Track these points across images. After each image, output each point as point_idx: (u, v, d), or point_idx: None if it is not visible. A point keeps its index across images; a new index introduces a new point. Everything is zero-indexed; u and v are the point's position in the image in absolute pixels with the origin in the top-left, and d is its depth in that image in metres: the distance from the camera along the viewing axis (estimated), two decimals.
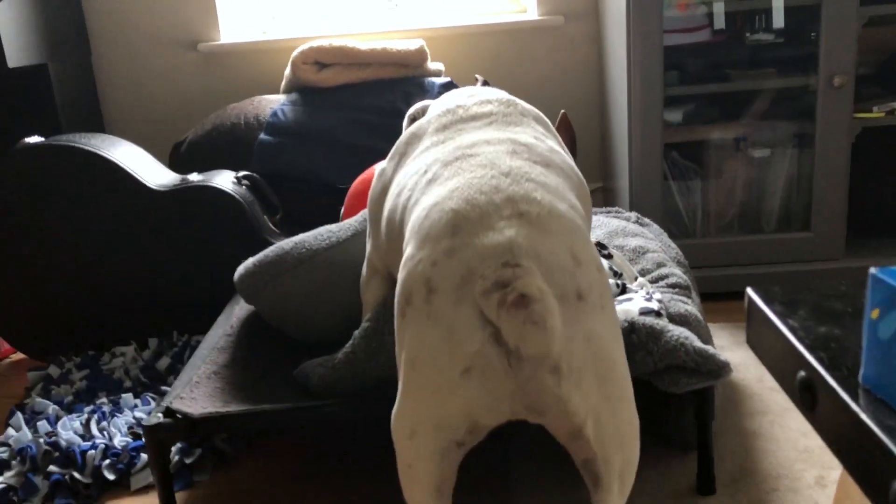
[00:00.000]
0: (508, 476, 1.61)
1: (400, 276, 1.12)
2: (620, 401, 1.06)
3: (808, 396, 0.68)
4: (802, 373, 0.68)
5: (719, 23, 2.40)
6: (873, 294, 0.59)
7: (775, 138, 2.47)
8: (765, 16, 2.48)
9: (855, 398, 0.61)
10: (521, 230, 1.05)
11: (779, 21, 2.36)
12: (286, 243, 1.77)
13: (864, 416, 0.58)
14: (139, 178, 2.24)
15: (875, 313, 0.59)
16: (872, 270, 0.59)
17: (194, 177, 2.30)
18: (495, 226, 1.06)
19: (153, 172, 2.31)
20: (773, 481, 1.51)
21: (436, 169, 1.23)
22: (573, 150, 2.35)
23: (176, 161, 2.61)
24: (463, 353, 1.00)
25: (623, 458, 1.08)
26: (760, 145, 2.48)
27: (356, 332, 1.50)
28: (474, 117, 1.35)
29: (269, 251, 1.77)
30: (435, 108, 1.45)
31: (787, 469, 1.55)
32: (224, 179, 2.29)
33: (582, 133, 2.95)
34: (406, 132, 1.44)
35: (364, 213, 1.76)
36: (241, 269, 1.78)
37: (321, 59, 2.58)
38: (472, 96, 1.42)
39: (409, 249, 1.13)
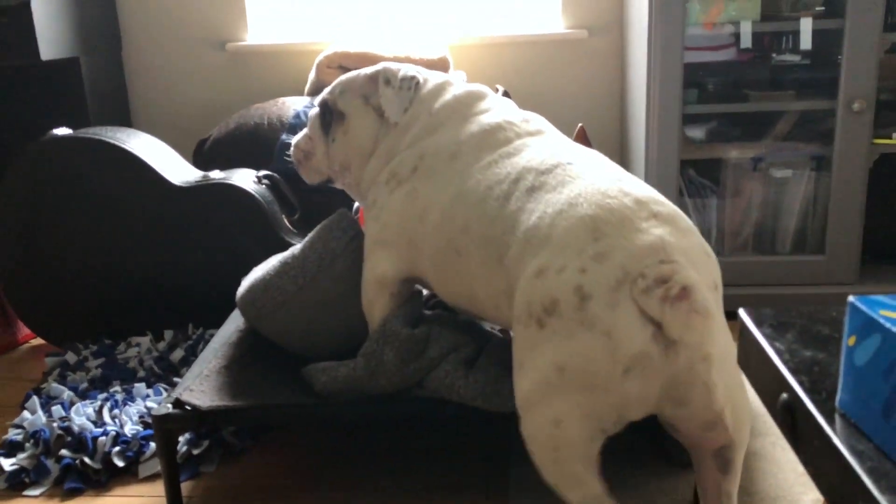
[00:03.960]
0: (509, 476, 1.63)
1: (530, 287, 1.14)
2: (742, 388, 1.12)
3: (788, 418, 0.70)
4: (785, 395, 0.70)
5: (745, 42, 2.41)
6: (851, 321, 0.61)
7: (794, 160, 2.47)
8: (792, 37, 2.48)
9: (830, 422, 0.63)
10: (664, 228, 1.11)
11: (806, 43, 2.36)
12: (261, 281, 1.69)
13: (835, 440, 0.60)
14: (161, 173, 2.29)
15: (851, 340, 0.60)
16: (850, 298, 0.60)
17: (216, 174, 2.35)
18: (640, 227, 1.11)
19: (176, 168, 2.36)
20: (771, 502, 1.52)
21: (532, 178, 1.27)
22: None
23: (199, 158, 2.66)
24: (625, 354, 1.04)
25: (746, 442, 1.17)
26: (779, 166, 2.48)
27: (360, 351, 1.52)
28: (530, 133, 1.43)
29: (254, 285, 1.70)
30: (452, 125, 1.49)
31: (786, 491, 1.55)
32: (244, 178, 2.34)
33: (600, 147, 2.96)
34: (414, 151, 1.48)
35: (332, 235, 1.68)
36: (238, 295, 1.74)
37: (345, 63, 2.62)
38: (488, 112, 1.48)
39: (536, 260, 1.15)
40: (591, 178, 1.22)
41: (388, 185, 1.50)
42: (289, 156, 2.52)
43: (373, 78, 1.59)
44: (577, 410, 1.10)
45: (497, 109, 1.51)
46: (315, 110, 1.69)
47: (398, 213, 1.47)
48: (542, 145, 1.38)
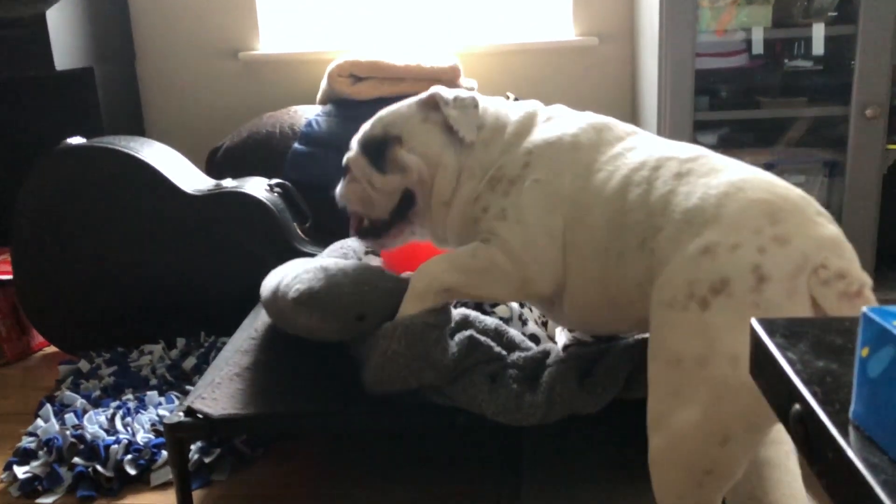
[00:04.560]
0: (521, 485, 1.62)
1: (693, 265, 1.09)
2: None
3: (801, 430, 0.69)
4: (797, 406, 0.70)
5: (757, 49, 2.40)
6: (864, 332, 0.60)
7: (807, 166, 2.46)
8: (804, 43, 2.47)
9: (844, 434, 0.62)
10: (835, 227, 1.11)
11: (818, 49, 2.35)
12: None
13: (849, 453, 0.59)
14: (174, 181, 2.30)
15: (865, 351, 0.60)
16: (864, 309, 0.60)
17: (228, 182, 2.36)
18: (815, 219, 1.10)
19: (188, 177, 2.37)
20: None
21: (676, 165, 1.24)
22: None
23: (212, 167, 2.67)
24: None
25: None
26: (792, 172, 2.47)
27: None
28: (633, 132, 1.43)
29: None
30: (551, 121, 1.47)
31: (797, 501, 1.54)
32: (256, 186, 2.35)
33: None
34: (517, 152, 1.42)
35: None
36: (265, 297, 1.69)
37: (356, 72, 2.63)
38: (572, 116, 1.49)
39: (700, 239, 1.10)
40: (740, 168, 1.21)
41: (499, 188, 1.40)
42: (301, 164, 2.54)
43: (426, 103, 1.53)
44: (742, 424, 1.05)
45: (575, 114, 1.51)
46: (352, 155, 1.59)
47: (541, 206, 1.35)
48: (657, 141, 1.37)
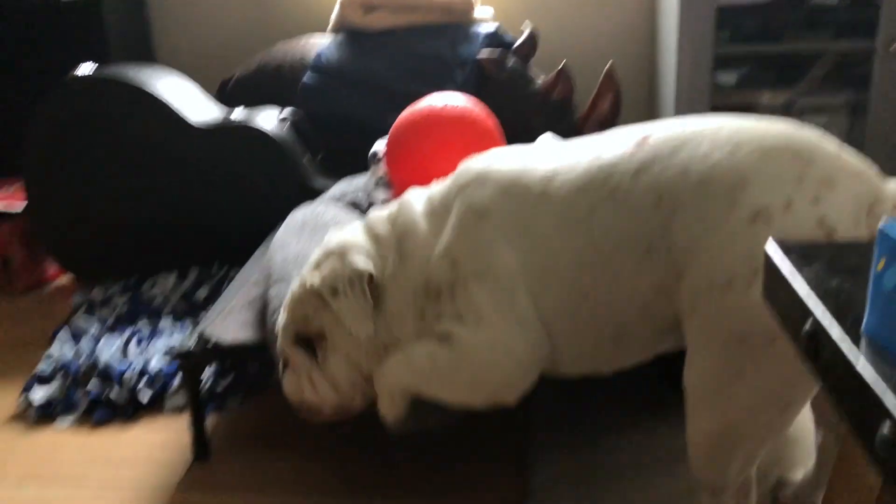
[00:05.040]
0: (527, 442, 1.59)
1: (748, 236, 0.97)
2: None
3: (812, 346, 0.68)
4: (809, 323, 0.69)
5: None
6: (880, 246, 0.59)
7: (829, 105, 2.41)
8: None
9: (856, 346, 0.62)
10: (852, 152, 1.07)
11: None
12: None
13: (859, 362, 0.59)
14: (182, 114, 2.28)
15: (881, 265, 0.59)
16: (880, 224, 0.59)
17: (238, 113, 2.34)
18: (839, 153, 1.04)
19: (198, 108, 2.35)
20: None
21: (643, 154, 1.10)
22: (617, 106, 2.33)
23: (224, 96, 2.64)
24: None
25: None
26: (814, 112, 2.42)
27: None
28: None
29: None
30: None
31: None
32: (267, 118, 2.33)
33: (628, 87, 2.90)
34: (461, 245, 1.20)
35: None
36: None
37: (368, 1, 2.57)
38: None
39: (739, 207, 0.99)
40: (713, 122, 1.09)
41: (443, 297, 1.20)
42: (311, 95, 2.50)
43: (314, 294, 1.27)
44: (809, 382, 1.00)
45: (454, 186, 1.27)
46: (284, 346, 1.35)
47: (497, 295, 1.17)
48: (578, 147, 1.20)
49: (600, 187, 1.12)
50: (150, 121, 2.29)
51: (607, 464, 1.46)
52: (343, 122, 2.51)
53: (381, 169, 1.95)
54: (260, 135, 2.27)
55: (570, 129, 2.27)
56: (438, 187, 1.30)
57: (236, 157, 2.29)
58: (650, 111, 2.83)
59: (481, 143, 1.77)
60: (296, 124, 2.37)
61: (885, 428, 0.54)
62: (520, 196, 1.18)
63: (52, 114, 2.33)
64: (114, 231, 2.40)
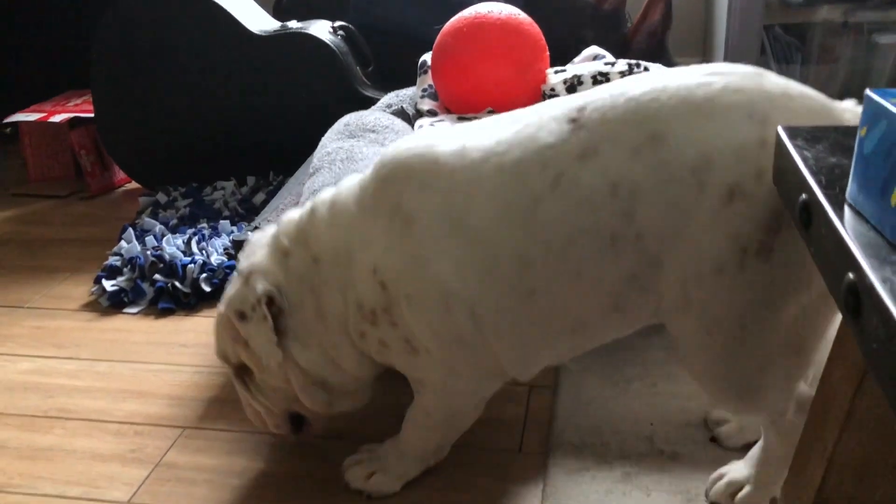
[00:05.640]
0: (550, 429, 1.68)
1: (723, 218, 0.93)
2: None
3: (805, 216, 0.73)
4: (804, 195, 0.74)
5: None
6: (864, 113, 0.63)
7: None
8: None
9: (838, 211, 0.67)
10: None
11: None
12: None
13: (837, 223, 0.64)
14: (241, 21, 2.36)
15: (863, 131, 0.63)
16: (867, 90, 0.63)
17: (293, 24, 2.40)
18: (774, 80, 1.01)
19: (255, 17, 2.42)
20: None
21: (568, 148, 1.00)
22: (668, 16, 2.31)
23: (278, 11, 2.71)
24: None
25: None
26: (885, 31, 2.34)
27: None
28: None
29: None
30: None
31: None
32: (321, 28, 2.38)
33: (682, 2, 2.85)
34: (388, 263, 1.08)
35: None
36: None
37: None
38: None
39: (712, 188, 0.93)
40: (647, 84, 1.00)
41: (381, 321, 1.10)
42: (363, 7, 2.54)
43: (226, 320, 1.18)
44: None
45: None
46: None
47: (435, 321, 1.08)
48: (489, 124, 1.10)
49: (539, 174, 1.00)
50: (211, 29, 2.37)
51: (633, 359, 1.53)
52: (394, 35, 2.55)
53: (428, 78, 1.99)
54: (318, 43, 2.34)
55: (620, 41, 2.27)
56: (352, 185, 1.16)
57: (294, 66, 2.37)
58: (704, 25, 2.79)
59: (525, 51, 1.80)
60: (348, 36, 2.43)
61: (850, 276, 0.60)
62: (448, 189, 1.04)
63: (115, 23, 2.43)
64: (176, 141, 2.51)
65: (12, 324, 1.87)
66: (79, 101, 2.73)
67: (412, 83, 2.10)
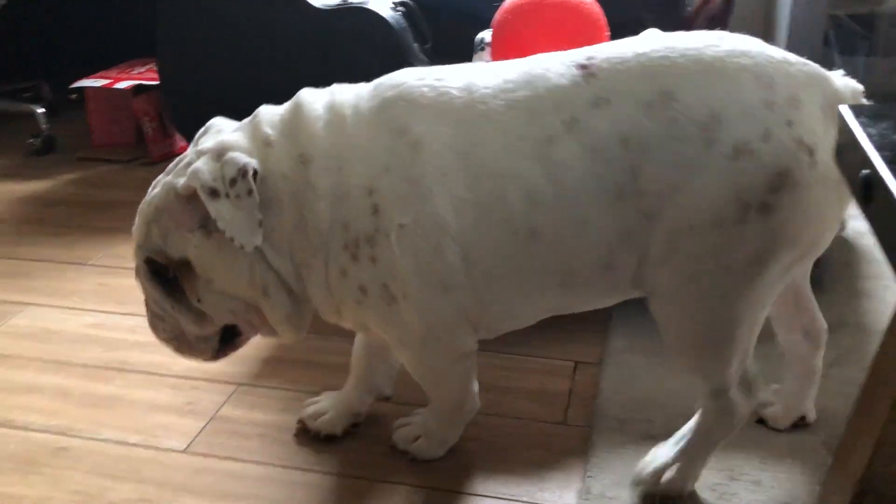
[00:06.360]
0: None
1: (732, 174, 0.95)
2: None
3: (867, 191, 0.74)
4: (866, 171, 0.74)
5: None
6: None
7: None
8: None
9: None
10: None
11: None
12: None
13: None
14: None
15: None
16: None
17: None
18: (786, 57, 1.04)
19: None
20: (866, 335, 1.55)
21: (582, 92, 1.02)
22: (730, 3, 2.28)
23: None
24: (846, 195, 0.97)
25: None
26: None
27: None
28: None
29: None
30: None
31: (884, 325, 1.57)
32: (381, 4, 2.41)
33: None
34: (389, 185, 1.04)
35: None
36: None
37: None
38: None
39: (718, 145, 0.96)
40: (654, 43, 1.03)
41: (362, 255, 1.04)
42: None
43: (187, 199, 1.05)
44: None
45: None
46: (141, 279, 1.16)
47: (424, 262, 1.03)
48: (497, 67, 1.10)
49: (553, 113, 1.00)
50: (274, 1, 2.41)
51: None
52: (452, 12, 2.57)
53: (486, 55, 2.01)
54: (377, 18, 2.36)
55: (679, 23, 2.25)
56: (349, 95, 1.14)
57: (353, 40, 2.40)
58: (766, 11, 2.74)
59: (585, 30, 1.80)
60: (408, 11, 2.45)
61: None
62: (458, 121, 1.02)
63: None
64: (235, 111, 2.56)
65: (78, 279, 1.95)
66: (143, 69, 2.81)
67: (468, 60, 2.12)
